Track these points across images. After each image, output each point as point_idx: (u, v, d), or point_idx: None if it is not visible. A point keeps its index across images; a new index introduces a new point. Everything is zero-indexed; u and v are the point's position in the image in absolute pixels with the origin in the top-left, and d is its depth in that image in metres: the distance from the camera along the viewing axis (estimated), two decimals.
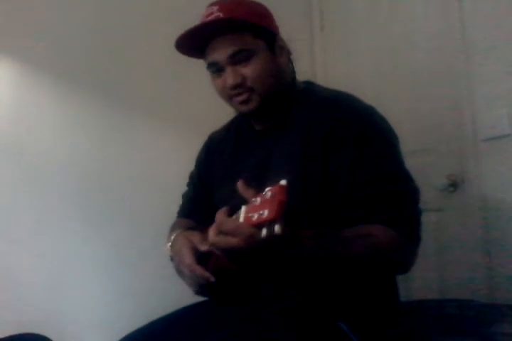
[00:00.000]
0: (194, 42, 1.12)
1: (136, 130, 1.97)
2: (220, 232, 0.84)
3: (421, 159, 1.75)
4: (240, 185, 0.86)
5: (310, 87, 1.23)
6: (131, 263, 1.87)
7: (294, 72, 1.22)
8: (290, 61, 1.21)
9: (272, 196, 0.77)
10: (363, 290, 1.08)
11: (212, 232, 0.87)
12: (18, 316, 1.62)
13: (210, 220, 1.17)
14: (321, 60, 2.38)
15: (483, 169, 1.72)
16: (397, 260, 1.02)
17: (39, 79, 1.84)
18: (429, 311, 1.36)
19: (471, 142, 1.75)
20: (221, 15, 1.07)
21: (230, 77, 1.10)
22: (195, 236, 1.11)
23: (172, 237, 1.19)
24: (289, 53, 1.20)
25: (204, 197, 1.32)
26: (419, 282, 1.72)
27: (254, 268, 0.96)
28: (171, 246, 1.19)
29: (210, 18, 1.08)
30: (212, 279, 1.03)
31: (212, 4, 1.12)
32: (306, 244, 0.90)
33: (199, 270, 1.06)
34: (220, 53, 1.10)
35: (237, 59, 1.10)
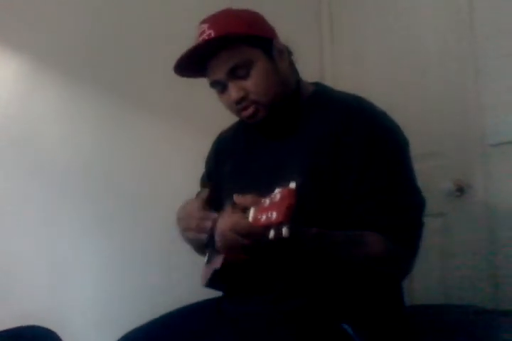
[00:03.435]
0: (192, 66, 1.13)
1: (142, 127, 1.96)
2: (232, 230, 0.86)
3: (428, 163, 1.75)
4: (235, 197, 0.88)
5: (321, 89, 1.22)
6: (135, 261, 1.87)
7: (297, 73, 1.21)
8: (292, 62, 1.19)
9: (281, 199, 0.78)
10: (368, 293, 1.08)
11: (226, 228, 0.88)
12: (22, 309, 1.62)
13: None
14: (329, 65, 2.37)
15: (490, 174, 1.71)
16: (387, 269, 1.03)
17: (44, 76, 1.83)
18: (433, 316, 1.35)
19: (479, 147, 1.74)
20: (212, 33, 1.07)
21: (233, 92, 1.10)
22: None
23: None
24: (289, 55, 1.18)
25: (214, 197, 1.32)
26: (423, 286, 1.72)
27: (259, 262, 0.99)
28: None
29: (201, 37, 1.09)
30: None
31: (202, 22, 1.12)
32: (307, 245, 0.93)
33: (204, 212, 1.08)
34: (219, 72, 1.11)
35: (237, 74, 1.10)
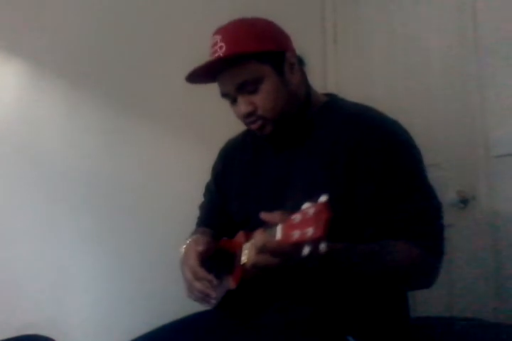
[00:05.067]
0: (202, 78, 1.15)
1: (145, 134, 1.96)
2: (261, 252, 0.85)
3: (432, 174, 1.71)
4: (263, 215, 0.87)
5: (333, 100, 1.23)
6: (135, 269, 1.86)
7: (308, 84, 1.21)
8: (303, 73, 1.20)
9: (316, 213, 0.75)
10: (374, 304, 1.08)
11: (252, 252, 0.87)
12: (22, 318, 1.61)
13: (228, 229, 1.20)
14: (333, 74, 2.37)
15: (494, 186, 1.71)
16: (419, 275, 1.04)
17: (46, 82, 1.83)
18: (437, 328, 1.34)
19: (483, 158, 1.74)
20: (224, 46, 1.09)
21: (241, 107, 1.13)
22: (202, 241, 1.15)
23: (187, 242, 1.21)
24: (302, 66, 1.19)
25: (221, 206, 1.32)
26: (427, 297, 1.70)
27: (281, 281, 0.99)
28: (184, 249, 1.20)
29: (214, 48, 1.11)
30: (214, 282, 1.05)
31: (216, 33, 1.14)
32: (337, 259, 0.92)
33: (202, 272, 1.08)
34: (227, 86, 1.13)
35: (245, 90, 1.12)
